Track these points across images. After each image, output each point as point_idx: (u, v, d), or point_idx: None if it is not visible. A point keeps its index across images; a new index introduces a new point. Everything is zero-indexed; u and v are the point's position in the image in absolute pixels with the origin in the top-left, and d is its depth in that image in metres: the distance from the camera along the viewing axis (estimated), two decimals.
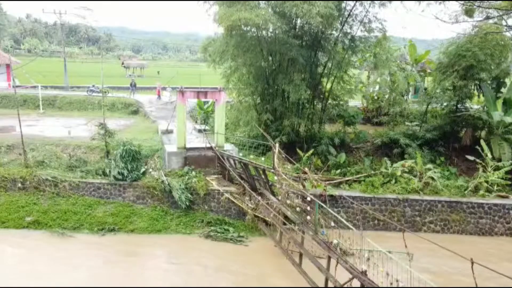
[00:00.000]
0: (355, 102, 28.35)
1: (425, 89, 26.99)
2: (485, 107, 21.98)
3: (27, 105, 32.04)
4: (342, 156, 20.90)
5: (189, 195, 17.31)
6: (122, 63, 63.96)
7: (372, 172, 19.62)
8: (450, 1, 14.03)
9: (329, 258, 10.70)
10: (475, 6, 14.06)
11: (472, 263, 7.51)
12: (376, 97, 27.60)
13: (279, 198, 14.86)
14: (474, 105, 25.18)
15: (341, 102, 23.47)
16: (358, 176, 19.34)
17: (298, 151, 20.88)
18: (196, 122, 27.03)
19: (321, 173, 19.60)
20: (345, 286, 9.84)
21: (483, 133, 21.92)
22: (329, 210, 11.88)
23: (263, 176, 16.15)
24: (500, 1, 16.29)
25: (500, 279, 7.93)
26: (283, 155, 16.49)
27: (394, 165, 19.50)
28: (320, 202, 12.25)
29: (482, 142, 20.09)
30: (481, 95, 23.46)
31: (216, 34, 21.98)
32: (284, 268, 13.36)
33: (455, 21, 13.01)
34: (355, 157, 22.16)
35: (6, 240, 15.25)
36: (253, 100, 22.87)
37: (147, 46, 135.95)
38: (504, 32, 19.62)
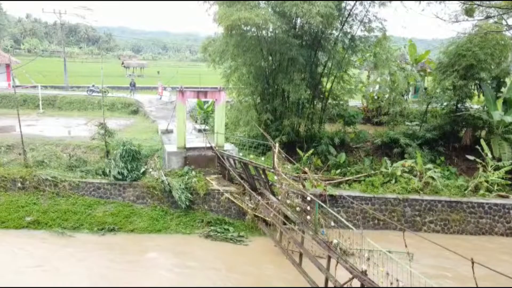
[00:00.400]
0: (355, 102, 28.35)
1: (425, 88, 26.96)
2: (485, 107, 21.97)
3: (27, 105, 32.04)
4: (342, 156, 20.89)
5: (189, 195, 17.30)
6: (122, 63, 63.97)
7: (372, 172, 19.61)
8: (451, 1, 14.03)
9: (329, 258, 10.69)
10: (475, 6, 14.04)
11: (473, 262, 7.50)
12: (376, 97, 27.59)
13: (279, 198, 14.85)
14: (474, 105, 25.18)
15: (341, 102, 23.47)
16: (358, 176, 19.34)
17: (298, 151, 20.88)
18: (196, 122, 27.03)
19: (321, 173, 19.60)
20: (345, 286, 9.82)
21: (483, 133, 21.94)
22: (329, 210, 11.87)
23: (263, 176, 16.14)
24: (501, 1, 16.27)
25: (501, 279, 7.91)
26: (283, 155, 16.49)
27: (394, 165, 19.49)
28: (320, 202, 12.25)
29: (482, 142, 20.08)
30: (481, 95, 23.46)
31: (216, 34, 21.99)
32: (284, 268, 13.35)
33: (455, 21, 13.01)
34: (355, 157, 22.15)
35: (5, 240, 15.23)
36: (253, 100, 22.86)
37: (147, 46, 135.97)
38: (504, 32, 19.59)
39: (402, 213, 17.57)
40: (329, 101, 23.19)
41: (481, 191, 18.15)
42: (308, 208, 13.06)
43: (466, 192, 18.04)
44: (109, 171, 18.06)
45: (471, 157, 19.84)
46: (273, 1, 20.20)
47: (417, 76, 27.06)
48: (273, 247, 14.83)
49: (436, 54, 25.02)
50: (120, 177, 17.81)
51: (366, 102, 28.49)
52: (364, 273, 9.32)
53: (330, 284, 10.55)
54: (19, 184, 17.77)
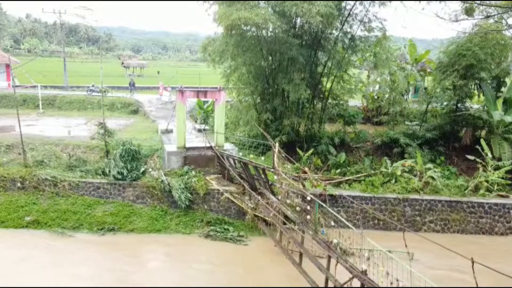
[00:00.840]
0: (355, 102, 28.34)
1: (425, 88, 26.96)
2: (485, 107, 21.96)
3: (26, 104, 32.03)
4: (342, 156, 20.88)
5: (188, 194, 17.28)
6: (122, 63, 63.94)
7: (372, 171, 19.60)
8: (451, 0, 14.01)
9: (329, 257, 10.67)
10: (475, 5, 14.03)
11: (473, 262, 7.49)
12: (376, 97, 27.59)
13: (279, 197, 14.84)
14: (474, 105, 25.16)
15: (341, 102, 23.45)
16: (358, 175, 19.33)
17: (298, 150, 20.86)
18: (196, 121, 27.02)
19: (321, 172, 19.59)
20: (345, 285, 9.81)
21: (483, 133, 21.94)
22: (329, 209, 11.87)
23: (263, 176, 16.13)
24: (501, 0, 16.26)
25: (501, 279, 7.89)
26: (283, 155, 16.47)
27: (394, 164, 19.48)
28: (320, 202, 12.24)
29: (482, 142, 20.07)
30: (481, 95, 23.45)
31: (215, 33, 21.97)
32: (284, 268, 13.33)
33: (455, 20, 13.00)
34: (355, 156, 22.14)
35: (5, 240, 15.21)
36: (253, 100, 22.85)
37: (147, 46, 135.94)
38: (504, 31, 19.59)
39: (402, 213, 17.56)
40: (329, 101, 23.17)
41: (481, 191, 18.14)
42: (308, 207, 13.05)
43: (466, 192, 18.03)
44: (109, 171, 18.04)
45: (471, 157, 19.83)
46: (273, 1, 20.19)
47: (417, 76, 27.06)
48: (273, 247, 14.82)
49: (436, 54, 25.01)
50: (119, 177, 17.79)
51: (366, 102, 28.48)
52: (364, 272, 9.30)
53: (330, 284, 10.54)
54: (19, 184, 17.75)
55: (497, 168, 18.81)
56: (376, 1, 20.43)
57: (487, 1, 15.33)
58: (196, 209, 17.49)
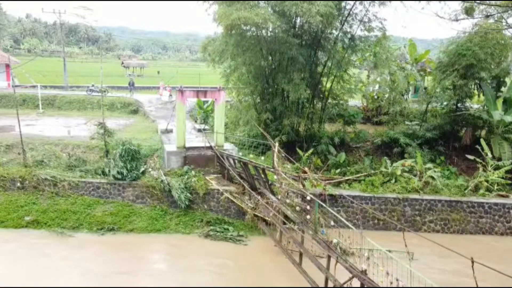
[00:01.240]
0: (355, 102, 28.33)
1: (425, 88, 26.96)
2: (485, 106, 21.95)
3: (26, 104, 32.01)
4: (342, 156, 20.87)
5: (188, 194, 17.27)
6: (122, 63, 63.93)
7: (372, 171, 19.59)
8: (450, 0, 14.01)
9: (329, 257, 10.66)
10: (475, 5, 14.02)
11: (473, 262, 7.48)
12: (376, 97, 27.57)
13: (279, 197, 14.83)
14: (474, 105, 25.16)
15: (341, 102, 23.45)
16: (358, 175, 19.33)
17: (298, 150, 20.86)
18: (195, 121, 27.02)
19: (321, 172, 19.58)
20: (345, 285, 9.80)
21: (483, 133, 21.93)
22: (329, 209, 11.86)
23: (262, 176, 16.11)
24: (500, 0, 16.25)
25: (501, 278, 7.89)
26: (283, 155, 16.47)
27: (394, 164, 19.47)
28: (319, 202, 12.24)
29: (482, 142, 20.06)
30: (481, 94, 23.44)
31: (215, 33, 21.99)
32: (284, 268, 13.32)
33: (455, 19, 12.99)
34: (355, 156, 22.14)
35: (5, 240, 15.20)
36: (253, 100, 22.84)
37: (147, 46, 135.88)
38: (504, 30, 19.57)
39: (402, 212, 17.55)
40: (329, 100, 23.17)
41: (481, 191, 18.13)
42: (308, 207, 13.04)
43: (466, 191, 18.02)
44: (109, 170, 18.03)
45: (471, 157, 19.82)
46: (272, 1, 20.18)
47: (417, 76, 27.06)
48: (273, 246, 14.81)
49: (436, 53, 25.00)
50: (119, 176, 17.78)
51: (366, 102, 28.47)
52: (364, 272, 9.29)
53: (330, 284, 10.53)
54: (19, 184, 17.74)
55: (497, 168, 18.80)
56: (376, 1, 20.44)
57: (487, 1, 15.32)
58: (196, 209, 17.48)
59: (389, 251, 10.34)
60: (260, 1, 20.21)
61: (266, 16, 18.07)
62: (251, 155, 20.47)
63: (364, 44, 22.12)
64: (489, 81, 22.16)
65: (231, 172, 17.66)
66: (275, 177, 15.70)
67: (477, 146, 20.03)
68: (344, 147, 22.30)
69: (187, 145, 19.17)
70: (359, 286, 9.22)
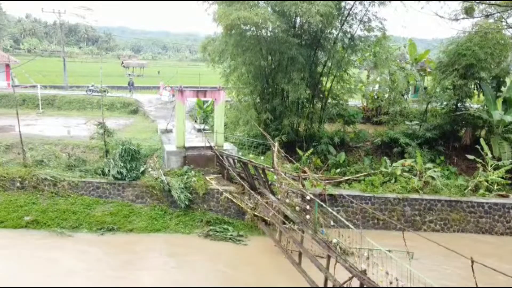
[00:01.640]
0: (355, 102, 28.32)
1: (425, 88, 26.94)
2: (485, 106, 21.94)
3: (26, 104, 32.00)
4: (342, 156, 20.87)
5: (188, 194, 17.27)
6: (122, 63, 63.93)
7: (372, 171, 19.59)
8: (450, 0, 14.00)
9: (329, 257, 10.65)
10: (475, 4, 14.01)
11: (472, 262, 7.47)
12: (376, 97, 27.57)
13: (279, 197, 14.82)
14: (474, 104, 25.15)
15: (341, 102, 23.43)
16: (357, 175, 19.32)
17: (298, 150, 20.85)
18: (195, 121, 27.00)
19: (321, 172, 19.57)
20: (345, 285, 9.78)
21: (483, 132, 21.92)
22: (329, 209, 11.85)
23: (262, 176, 16.10)
24: (500, 0, 16.23)
25: (500, 278, 7.88)
26: (283, 154, 16.47)
27: (394, 164, 19.46)
28: (319, 201, 12.23)
29: (482, 141, 20.05)
30: (481, 94, 23.43)
31: (215, 33, 21.98)
32: (284, 267, 13.31)
33: (455, 19, 12.97)
34: (355, 156, 22.13)
35: (5, 240, 15.19)
36: (253, 99, 22.84)
37: (147, 46, 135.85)
38: (504, 30, 19.56)
39: (402, 212, 17.54)
40: (329, 100, 23.16)
41: (481, 191, 18.12)
42: (308, 207, 13.03)
43: (466, 191, 18.01)
44: (108, 170, 18.02)
45: (471, 157, 19.81)
46: (272, 1, 20.17)
47: (417, 76, 27.05)
48: (272, 246, 14.80)
49: (436, 53, 24.99)
50: (119, 176, 17.77)
51: (366, 102, 28.46)
52: (364, 272, 9.28)
53: (329, 284, 10.52)
54: (18, 184, 17.73)
55: (497, 167, 18.79)
56: (375, 1, 20.42)
57: (487, 0, 15.31)
58: (196, 209, 17.47)
59: (389, 251, 10.33)
60: (259, 1, 20.19)
61: (265, 16, 18.06)
62: (250, 155, 20.46)
63: (364, 44, 22.10)
64: (489, 81, 22.15)
65: (231, 172, 17.65)
66: (275, 177, 15.70)
67: (477, 146, 20.02)
68: (344, 147, 22.29)
69: (187, 145, 19.16)
70: (358, 286, 9.21)
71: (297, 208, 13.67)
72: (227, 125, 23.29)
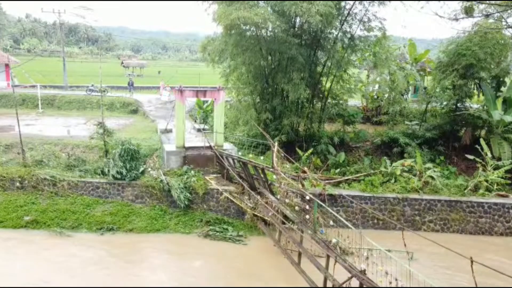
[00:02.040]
0: (355, 101, 28.33)
1: (425, 88, 26.95)
2: (485, 106, 21.94)
3: (26, 104, 32.03)
4: (342, 156, 20.86)
5: (188, 194, 17.26)
6: (122, 63, 63.93)
7: (372, 171, 19.59)
8: (449, 0, 14.00)
9: (328, 257, 10.64)
10: (474, 4, 14.00)
11: (472, 262, 7.47)
12: (375, 96, 27.58)
13: (278, 197, 14.82)
14: (474, 104, 25.15)
15: (341, 101, 23.43)
16: (357, 175, 19.32)
17: (298, 150, 20.84)
18: (195, 121, 27.00)
19: (321, 172, 19.57)
20: (344, 285, 9.78)
21: (483, 132, 21.91)
22: (328, 209, 11.85)
23: (262, 175, 16.09)
24: (500, 0, 16.23)
25: (500, 278, 7.88)
26: (282, 154, 16.46)
27: (394, 164, 19.45)
28: (319, 201, 12.22)
29: (482, 141, 20.03)
30: (481, 94, 23.42)
31: (215, 33, 21.94)
32: (283, 267, 13.30)
33: (455, 19, 12.97)
34: (355, 156, 22.13)
35: (4, 240, 15.18)
36: (252, 99, 22.83)
37: (147, 46, 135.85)
38: (504, 29, 19.55)
39: (402, 212, 17.53)
40: (329, 100, 23.16)
41: (481, 191, 18.11)
42: (307, 207, 13.03)
43: (465, 191, 18.00)
44: (108, 170, 18.02)
45: (470, 157, 19.79)
46: (272, 1, 20.17)
47: (417, 76, 27.06)
48: (272, 246, 14.79)
49: (436, 53, 25.00)
50: (119, 176, 17.76)
51: (365, 102, 28.47)
52: (363, 272, 9.28)
53: (328, 284, 10.51)
54: (18, 184, 17.73)
55: (496, 167, 18.78)
56: (375, 1, 20.41)
57: (487, 0, 15.30)
58: (195, 209, 17.46)
59: (389, 250, 10.33)
60: (259, 1, 20.19)
61: (265, 16, 18.05)
62: (250, 155, 20.45)
63: (363, 44, 22.09)
64: (488, 81, 22.15)
65: (231, 172, 17.64)
66: (274, 177, 15.69)
67: (477, 146, 20.00)
68: (343, 147, 22.29)
69: (186, 145, 19.16)
70: (358, 286, 9.20)
71: (296, 208, 13.66)
72: (227, 125, 23.29)
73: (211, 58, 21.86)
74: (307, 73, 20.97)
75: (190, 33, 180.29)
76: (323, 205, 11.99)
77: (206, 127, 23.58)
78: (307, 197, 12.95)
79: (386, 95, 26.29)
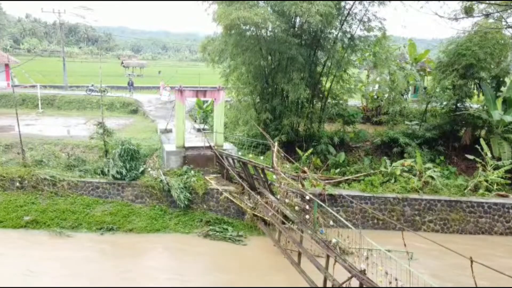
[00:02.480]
0: (355, 101, 28.32)
1: (425, 88, 26.94)
2: (485, 106, 21.93)
3: (26, 104, 32.03)
4: (342, 155, 20.86)
5: (188, 194, 17.26)
6: (122, 63, 63.92)
7: (372, 171, 19.58)
8: (449, 0, 14.00)
9: (328, 257, 10.63)
10: (474, 3, 14.00)
11: (472, 261, 7.46)
12: (375, 96, 27.57)
13: (278, 197, 14.81)
14: (474, 104, 25.15)
15: (341, 101, 23.43)
16: (357, 175, 19.31)
17: (298, 150, 20.84)
18: (195, 121, 27.00)
19: (321, 172, 19.57)
20: (344, 285, 9.77)
21: (482, 132, 21.90)
22: (328, 209, 11.84)
23: (262, 175, 16.09)
24: (500, 0, 16.23)
25: (500, 278, 7.87)
26: (282, 154, 16.45)
27: (394, 164, 19.45)
28: (319, 201, 12.22)
29: (482, 141, 20.02)
30: (480, 94, 23.42)
31: (215, 33, 21.94)
32: (283, 267, 13.29)
33: (454, 18, 12.97)
34: (355, 156, 22.13)
35: (4, 240, 15.18)
36: (252, 99, 22.83)
37: (147, 46, 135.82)
38: (504, 29, 19.54)
39: (402, 212, 17.53)
40: (329, 100, 23.16)
41: (481, 191, 18.11)
42: (307, 207, 13.02)
43: (465, 191, 18.00)
44: (108, 170, 18.02)
45: (470, 157, 19.79)
46: (272, 0, 20.17)
47: (417, 76, 27.05)
48: (272, 246, 14.78)
49: (436, 53, 25.00)
50: (118, 176, 17.76)
51: (365, 102, 28.46)
52: (363, 272, 9.27)
53: (328, 284, 10.50)
54: (18, 184, 17.73)
55: (496, 167, 18.77)
56: (375, 1, 20.41)
57: (487, 0, 15.31)
58: (195, 209, 17.46)
59: (388, 250, 10.33)
60: (259, 1, 20.18)
61: (265, 16, 18.05)
62: (250, 155, 20.45)
63: (363, 44, 22.08)
64: (488, 80, 22.15)
65: (231, 171, 17.64)
66: (274, 176, 15.68)
67: (477, 146, 20.00)
68: (343, 147, 22.29)
69: (186, 144, 19.15)
70: (358, 286, 9.20)
71: (296, 208, 13.65)
72: (227, 125, 23.28)
73: (211, 58, 21.86)
74: (307, 73, 20.97)
75: (190, 33, 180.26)
76: (323, 205, 11.99)
77: (206, 127, 23.58)
78: (307, 197, 12.95)
79: (386, 95, 26.28)
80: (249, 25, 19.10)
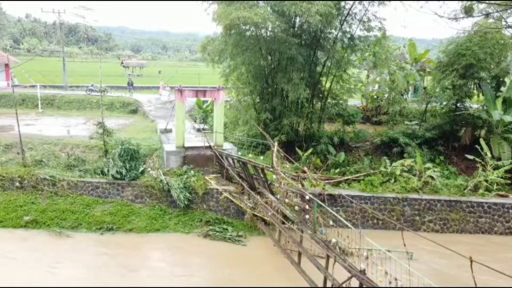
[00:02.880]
0: (355, 101, 28.32)
1: (425, 88, 26.94)
2: (485, 106, 21.93)
3: (25, 104, 32.02)
4: (342, 155, 20.86)
5: (187, 194, 17.26)
6: (122, 63, 63.92)
7: (372, 171, 19.58)
8: (449, 0, 14.00)
9: (328, 257, 10.63)
10: (474, 3, 14.01)
11: (471, 261, 7.46)
12: (375, 96, 27.57)
13: (278, 197, 14.80)
14: (474, 104, 25.14)
15: (341, 101, 23.42)
16: (357, 175, 19.31)
17: (297, 150, 20.84)
18: (195, 121, 26.99)
19: (320, 172, 19.57)
20: (344, 285, 9.77)
21: (482, 132, 21.90)
22: (328, 209, 11.83)
23: (262, 175, 16.08)
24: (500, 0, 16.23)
25: (500, 278, 7.87)
26: (282, 154, 16.45)
27: (394, 164, 19.45)
28: (319, 201, 12.21)
29: (482, 141, 20.02)
30: (480, 94, 23.41)
31: (215, 33, 21.94)
32: (283, 267, 13.30)
33: (454, 18, 12.97)
34: (355, 156, 22.12)
35: (4, 240, 15.17)
36: (252, 99, 22.82)
37: (147, 46, 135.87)
38: (504, 29, 19.54)
39: (402, 212, 17.53)
40: (329, 100, 23.14)
41: (481, 191, 18.11)
42: (307, 207, 13.01)
43: (465, 191, 18.00)
44: (108, 170, 18.02)
45: (470, 157, 19.79)
46: (272, 0, 20.16)
47: (417, 76, 27.06)
48: (272, 246, 14.79)
49: (436, 53, 25.00)
50: (118, 176, 17.76)
51: (365, 102, 28.47)
52: (363, 272, 9.27)
53: (328, 283, 10.50)
54: (17, 184, 17.72)
55: (496, 167, 18.77)
56: (375, 1, 20.40)
57: (487, 0, 15.31)
58: (195, 209, 17.46)
59: (388, 250, 10.32)
60: (259, 1, 20.17)
61: (265, 16, 18.04)
62: (250, 155, 20.45)
63: (363, 44, 22.07)
64: (488, 80, 22.14)
65: (230, 171, 17.64)
66: (274, 176, 15.68)
67: (477, 146, 20.00)
68: (343, 147, 22.28)
69: (186, 144, 19.15)
70: (357, 285, 9.20)
71: (296, 208, 13.64)
72: (227, 125, 23.28)
73: (211, 58, 21.85)
74: (307, 73, 20.96)
75: (190, 33, 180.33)
76: (323, 205, 11.98)
77: (206, 127, 23.58)
78: (307, 197, 12.94)
79: (386, 95, 26.28)
80: (249, 25, 19.09)
